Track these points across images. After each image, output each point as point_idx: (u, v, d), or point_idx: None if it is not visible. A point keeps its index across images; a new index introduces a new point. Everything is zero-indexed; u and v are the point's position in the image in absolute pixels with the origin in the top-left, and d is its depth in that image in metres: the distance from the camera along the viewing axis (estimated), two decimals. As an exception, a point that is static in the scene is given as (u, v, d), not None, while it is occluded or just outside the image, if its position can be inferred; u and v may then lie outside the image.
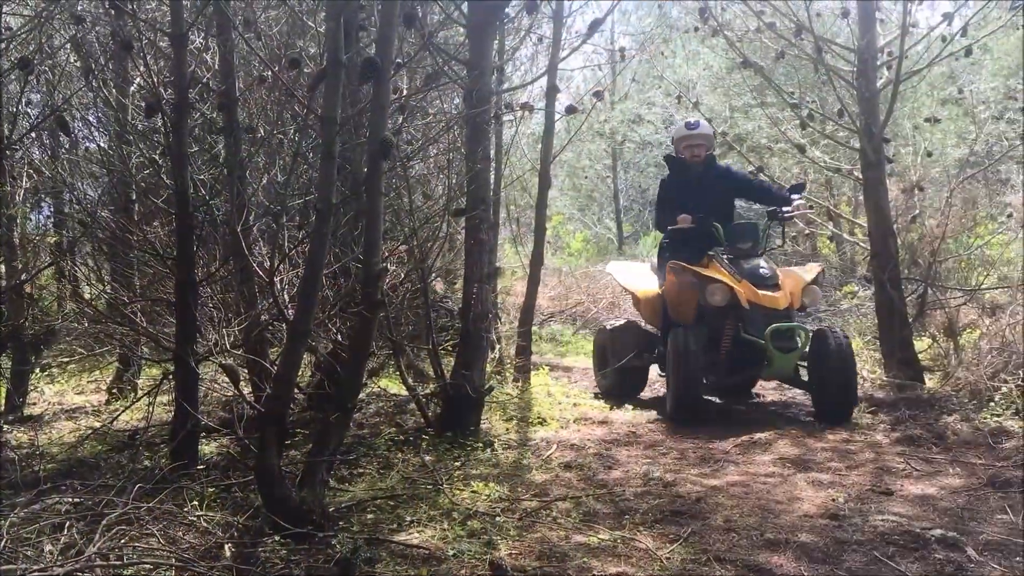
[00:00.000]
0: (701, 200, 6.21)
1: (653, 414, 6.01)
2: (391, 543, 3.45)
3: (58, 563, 2.89)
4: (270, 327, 5.02)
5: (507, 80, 7.33)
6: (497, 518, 3.79)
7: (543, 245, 7.33)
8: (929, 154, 9.11)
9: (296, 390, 4.66)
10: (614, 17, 18.35)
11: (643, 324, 6.98)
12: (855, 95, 6.77)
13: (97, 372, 7.25)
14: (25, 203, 6.33)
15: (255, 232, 4.87)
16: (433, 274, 6.27)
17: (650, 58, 13.97)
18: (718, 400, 6.52)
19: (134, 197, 5.72)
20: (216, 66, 5.12)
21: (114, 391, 6.60)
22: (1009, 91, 10.72)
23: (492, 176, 6.47)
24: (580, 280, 12.62)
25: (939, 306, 7.25)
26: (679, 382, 5.73)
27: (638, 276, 7.03)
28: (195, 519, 3.51)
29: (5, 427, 5.44)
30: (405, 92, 5.63)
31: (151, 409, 4.89)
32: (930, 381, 6.48)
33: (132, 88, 5.74)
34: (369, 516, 3.83)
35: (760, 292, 5.75)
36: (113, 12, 5.13)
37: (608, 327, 7.11)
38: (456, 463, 4.72)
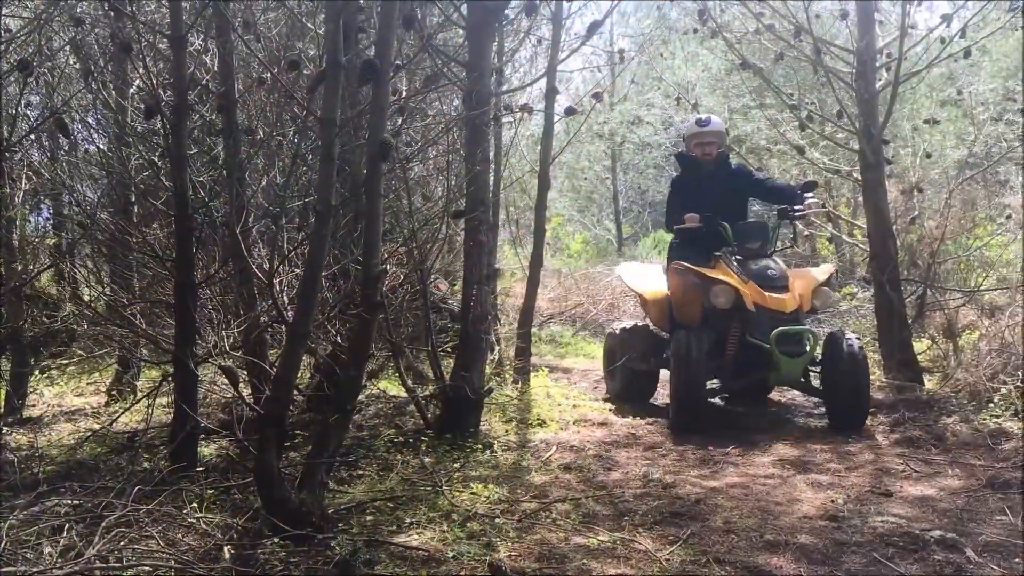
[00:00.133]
0: (711, 199, 6.01)
1: (653, 416, 6.01)
2: (390, 545, 3.45)
3: (57, 565, 2.89)
4: (269, 329, 5.01)
5: (506, 82, 7.33)
6: (496, 520, 3.79)
7: (542, 247, 7.33)
8: (928, 155, 9.11)
9: (295, 392, 4.65)
10: (613, 19, 18.34)
11: (652, 327, 6.75)
12: (854, 96, 6.78)
13: (96, 374, 7.25)
14: (24, 205, 6.33)
15: (254, 234, 4.87)
16: (433, 275, 6.26)
17: (649, 60, 13.99)
18: (727, 404, 6.40)
19: (133, 199, 5.72)
20: (215, 68, 5.12)
21: (113, 393, 6.60)
22: (1008, 92, 10.73)
23: (491, 178, 6.48)
24: (580, 281, 12.62)
25: (938, 307, 7.26)
26: (680, 387, 5.53)
27: (646, 277, 6.84)
28: (194, 521, 3.51)
29: (5, 429, 5.43)
30: (404, 94, 5.62)
31: (150, 411, 4.89)
32: (929, 382, 6.49)
33: (131, 90, 5.74)
34: (368, 518, 3.82)
35: (766, 294, 5.53)
36: (112, 14, 5.13)
37: (617, 330, 6.90)
38: (455, 465, 4.72)
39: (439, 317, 6.90)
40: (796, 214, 6.01)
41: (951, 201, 7.68)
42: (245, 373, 4.92)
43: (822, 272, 5.96)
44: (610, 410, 6.25)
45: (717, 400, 6.38)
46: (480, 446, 5.04)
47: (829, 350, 5.59)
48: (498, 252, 8.18)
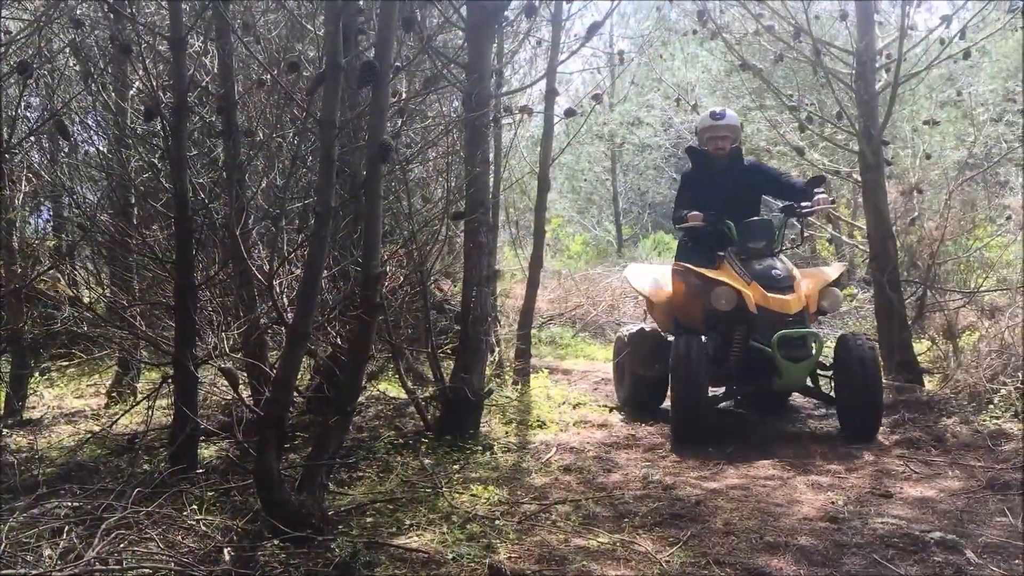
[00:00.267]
0: (722, 196, 5.77)
1: (653, 418, 6.00)
2: (390, 547, 3.45)
3: (57, 567, 2.89)
4: (269, 330, 5.01)
5: (506, 83, 7.33)
6: (496, 521, 3.79)
7: (542, 248, 7.33)
8: (928, 156, 9.12)
9: (295, 393, 4.65)
10: (613, 20, 18.39)
11: (658, 330, 6.46)
12: (854, 97, 6.78)
13: (96, 376, 7.25)
14: (24, 207, 6.33)
15: (254, 235, 4.87)
16: (434, 277, 6.26)
17: (649, 61, 14.00)
18: (741, 410, 6.27)
19: (133, 201, 5.73)
20: (215, 70, 5.12)
21: (113, 395, 6.60)
22: (1008, 93, 10.73)
23: (491, 179, 6.48)
24: (579, 283, 12.62)
25: (938, 308, 7.26)
26: (680, 395, 5.24)
27: (652, 279, 6.54)
28: (194, 523, 3.51)
29: (4, 431, 5.43)
30: (404, 95, 5.63)
31: (150, 413, 4.88)
32: (929, 383, 6.49)
33: (131, 92, 5.74)
34: (368, 520, 3.82)
35: (769, 295, 5.26)
36: (112, 16, 5.14)
37: (625, 335, 6.60)
38: (455, 466, 4.72)
39: (443, 318, 6.88)
40: (804, 211, 5.72)
41: (951, 202, 7.68)
42: (245, 375, 4.92)
43: (831, 272, 5.72)
44: (610, 412, 6.25)
45: (728, 404, 6.22)
46: (480, 448, 5.04)
47: (840, 354, 5.34)
48: (498, 253, 8.18)
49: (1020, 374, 5.82)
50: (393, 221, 6.33)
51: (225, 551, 3.28)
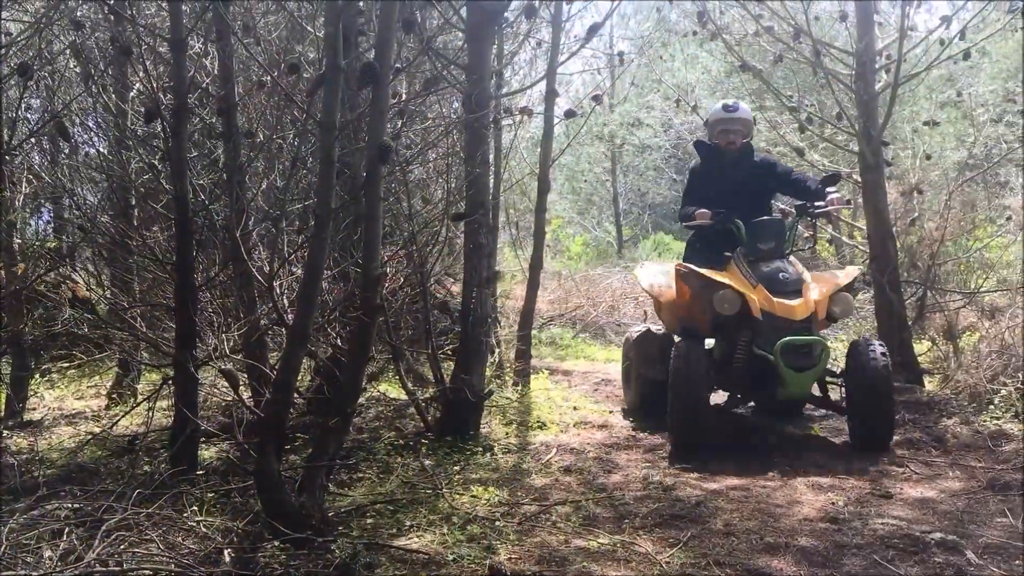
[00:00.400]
0: (731, 193, 5.49)
1: (654, 419, 5.99)
2: (391, 548, 3.45)
3: (57, 569, 2.89)
4: (269, 332, 5.01)
5: (506, 84, 7.34)
6: (497, 522, 3.79)
7: (542, 249, 7.33)
8: (928, 157, 9.12)
9: (295, 395, 4.65)
10: (613, 21, 18.41)
11: (666, 332, 6.19)
12: (854, 98, 6.78)
13: (97, 377, 7.25)
14: (25, 209, 6.33)
15: (254, 237, 4.87)
16: (434, 277, 6.26)
17: (649, 62, 14.01)
18: (754, 417, 6.05)
19: (133, 202, 5.72)
20: (215, 71, 5.12)
21: (114, 396, 6.59)
22: (1008, 94, 10.73)
23: (491, 180, 6.47)
24: (580, 284, 12.62)
25: (938, 309, 7.26)
26: (679, 405, 4.96)
27: (661, 278, 6.22)
28: (194, 524, 3.51)
29: (5, 432, 5.43)
30: (404, 97, 5.63)
31: (151, 414, 4.89)
32: (929, 384, 6.49)
33: (132, 93, 5.74)
34: (369, 521, 3.83)
35: (775, 300, 4.95)
36: (112, 18, 5.14)
37: (632, 337, 6.38)
38: (456, 467, 4.72)
39: (446, 318, 6.87)
40: (817, 211, 5.42)
41: (951, 203, 7.68)
42: (245, 376, 4.92)
43: (844, 276, 5.36)
44: (610, 413, 6.25)
45: (741, 410, 5.99)
46: (480, 449, 5.05)
47: (850, 360, 5.08)
48: (498, 254, 8.18)
49: (1020, 375, 5.82)
50: (393, 222, 6.33)
51: (225, 552, 3.28)
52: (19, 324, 5.60)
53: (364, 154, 4.26)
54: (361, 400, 5.52)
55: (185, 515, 3.60)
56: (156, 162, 5.03)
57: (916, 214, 8.07)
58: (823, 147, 9.33)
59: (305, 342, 3.82)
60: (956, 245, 8.17)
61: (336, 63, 3.61)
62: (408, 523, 3.78)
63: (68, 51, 5.81)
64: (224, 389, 5.07)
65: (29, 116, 6.34)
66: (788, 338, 4.82)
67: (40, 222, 7.80)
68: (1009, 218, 9.30)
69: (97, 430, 5.44)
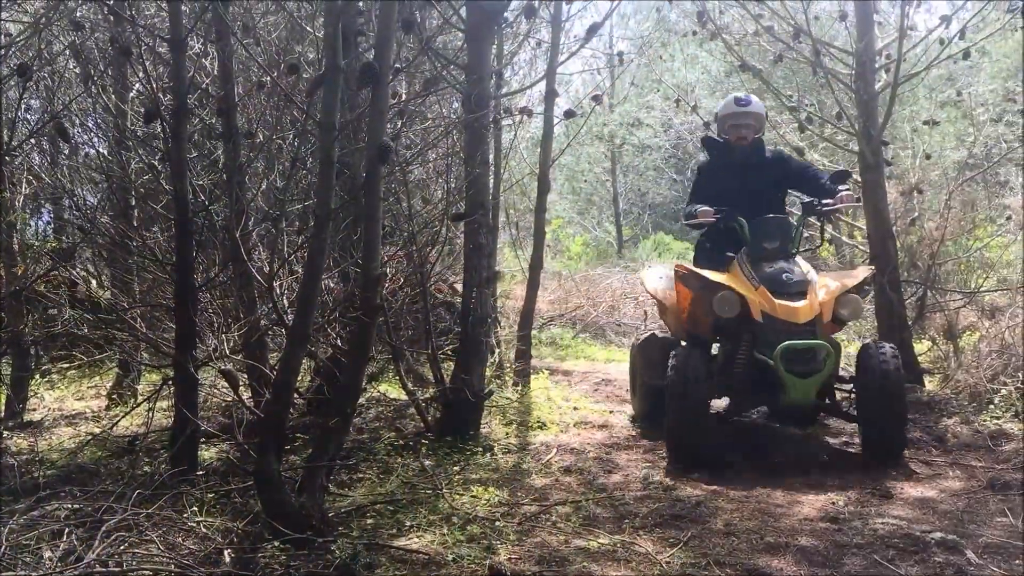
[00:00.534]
0: (742, 191, 5.25)
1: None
2: (391, 548, 3.45)
3: (57, 570, 2.89)
4: (269, 332, 5.02)
5: (506, 84, 7.33)
6: (497, 523, 3.79)
7: (542, 249, 7.33)
8: (928, 156, 9.11)
9: (295, 395, 4.66)
10: (612, 21, 18.40)
11: (671, 336, 5.95)
12: (853, 98, 6.78)
13: (97, 378, 7.25)
14: (25, 209, 6.33)
15: (254, 237, 4.87)
16: (434, 278, 6.26)
17: (649, 62, 14.00)
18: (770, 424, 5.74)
19: (133, 203, 5.72)
20: (215, 72, 5.12)
21: (114, 397, 6.60)
22: (1008, 93, 10.73)
23: (491, 180, 6.47)
24: (580, 284, 12.61)
25: (938, 309, 7.25)
26: (676, 416, 4.71)
27: (665, 282, 5.93)
28: (194, 525, 3.51)
29: (5, 433, 5.43)
30: (404, 97, 5.64)
31: (151, 415, 4.89)
32: (930, 384, 6.48)
33: (131, 94, 5.75)
34: (369, 521, 3.82)
35: (777, 302, 4.69)
36: (112, 18, 5.14)
37: (639, 341, 6.17)
38: (456, 468, 4.72)
39: (449, 317, 6.87)
40: (826, 209, 5.16)
41: (951, 202, 7.67)
42: (245, 376, 4.92)
43: (854, 276, 5.05)
44: (610, 412, 6.25)
45: (754, 415, 5.74)
46: (480, 449, 5.04)
47: (860, 365, 4.81)
48: (498, 255, 8.18)
49: (1020, 374, 5.82)
50: (393, 222, 6.34)
51: (225, 553, 3.28)
52: (19, 324, 5.60)
53: (364, 154, 4.27)
54: (361, 400, 5.52)
55: (185, 515, 3.60)
56: (156, 162, 5.04)
57: (916, 214, 8.07)
58: (823, 147, 9.33)
59: (305, 342, 3.82)
60: (956, 245, 8.17)
61: (335, 63, 3.61)
62: (408, 523, 3.78)
63: (68, 52, 5.81)
64: (224, 390, 5.07)
65: (29, 117, 6.34)
66: (789, 342, 4.56)
67: (40, 223, 7.81)
68: (1009, 217, 9.29)
69: (97, 431, 5.44)
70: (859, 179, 6.98)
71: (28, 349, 6.03)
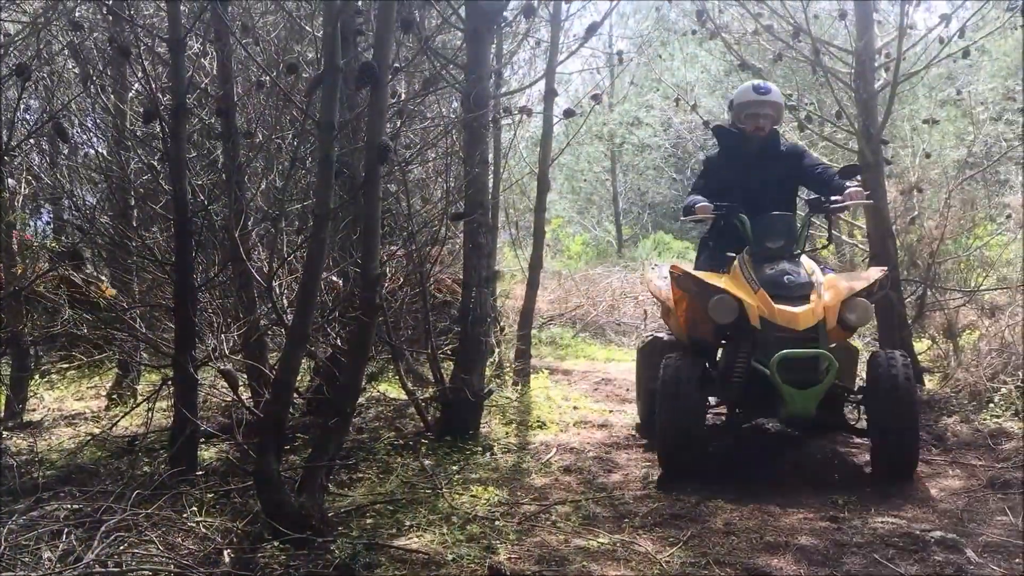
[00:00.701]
0: (752, 184, 4.96)
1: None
2: (390, 548, 3.45)
3: (56, 570, 2.89)
4: (269, 332, 5.01)
5: (505, 84, 7.33)
6: (496, 522, 3.79)
7: (542, 248, 7.33)
8: (928, 155, 9.10)
9: (295, 395, 4.65)
10: (612, 20, 18.35)
11: (674, 339, 5.57)
12: (853, 97, 6.77)
13: (97, 378, 7.25)
14: (24, 209, 6.33)
15: (254, 237, 4.87)
16: (434, 278, 6.25)
17: (648, 61, 14.02)
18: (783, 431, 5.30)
19: (133, 203, 5.72)
20: (214, 71, 5.12)
21: (113, 397, 6.59)
22: (1008, 92, 10.72)
23: (490, 180, 6.47)
24: (579, 283, 12.61)
25: (938, 307, 7.25)
26: (667, 426, 4.44)
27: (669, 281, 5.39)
28: (194, 525, 3.51)
29: (5, 433, 5.43)
30: (403, 96, 5.64)
31: (150, 415, 4.89)
32: (930, 383, 6.48)
33: (130, 94, 5.75)
34: (368, 521, 3.82)
35: (776, 306, 4.35)
36: (111, 18, 5.14)
37: (642, 343, 5.90)
38: (455, 467, 4.72)
39: (445, 317, 6.86)
40: (833, 207, 4.80)
41: (951, 201, 7.66)
42: (245, 376, 4.92)
43: (864, 278, 4.67)
44: (610, 412, 6.25)
45: (770, 425, 5.38)
46: (480, 448, 5.04)
47: (870, 375, 4.47)
48: (498, 254, 8.18)
49: (1020, 373, 5.81)
50: (392, 222, 6.33)
51: (225, 553, 3.28)
52: (19, 324, 5.60)
53: (363, 154, 4.26)
54: (361, 400, 5.52)
55: (185, 516, 3.60)
56: (155, 163, 5.03)
57: (916, 212, 8.06)
58: (823, 145, 9.31)
59: (304, 342, 3.82)
60: (956, 243, 8.16)
61: (334, 63, 3.60)
62: (408, 523, 3.78)
63: (67, 51, 5.81)
64: (224, 390, 5.07)
65: (27, 117, 6.34)
66: (786, 351, 4.22)
67: (40, 223, 7.81)
68: (1009, 216, 9.29)
69: (97, 431, 5.44)
70: (858, 178, 6.97)
71: (28, 349, 6.03)
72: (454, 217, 5.43)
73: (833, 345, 4.49)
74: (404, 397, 5.66)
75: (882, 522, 3.73)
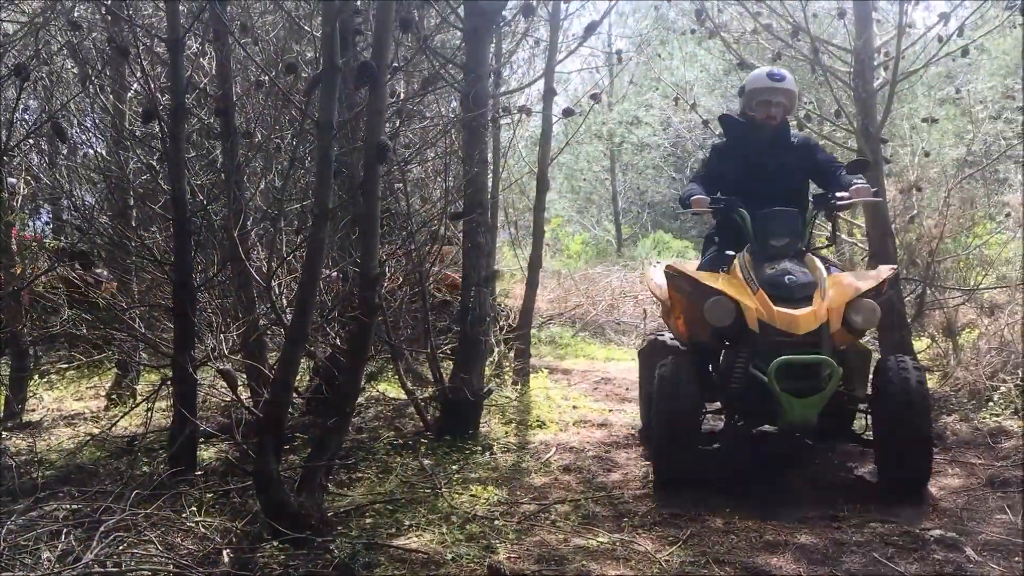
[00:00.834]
0: (759, 175, 4.69)
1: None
2: (390, 547, 3.45)
3: (56, 570, 2.89)
4: (268, 332, 5.01)
5: (504, 83, 7.33)
6: (496, 522, 3.79)
7: (541, 248, 7.33)
8: (927, 154, 9.11)
9: (294, 395, 4.65)
10: (611, 20, 18.37)
11: (675, 340, 5.22)
12: (852, 96, 6.77)
13: (96, 378, 7.25)
14: (23, 209, 6.32)
15: (253, 237, 4.87)
16: (431, 278, 6.25)
17: (647, 60, 14.02)
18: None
19: (132, 203, 5.72)
20: (213, 71, 5.12)
21: (113, 397, 6.59)
22: (1007, 90, 10.74)
23: (490, 179, 6.46)
24: (579, 283, 12.62)
25: (938, 306, 7.25)
26: (659, 436, 4.28)
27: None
28: (193, 525, 3.51)
29: (4, 433, 5.43)
30: (402, 96, 5.63)
31: (150, 415, 4.88)
32: (929, 381, 6.46)
33: (129, 94, 5.74)
34: (368, 520, 3.82)
35: (776, 308, 4.07)
36: (110, 18, 5.13)
37: (643, 346, 5.70)
38: (455, 467, 4.72)
39: (445, 316, 6.87)
40: (840, 204, 4.52)
41: (950, 199, 7.66)
42: (244, 376, 4.92)
43: (871, 278, 4.37)
44: (610, 411, 6.25)
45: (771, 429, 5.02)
46: (479, 448, 5.04)
47: (879, 382, 4.19)
48: (497, 253, 8.17)
49: (1020, 371, 5.82)
50: (391, 222, 6.33)
51: (224, 553, 3.28)
52: (18, 324, 5.59)
53: (362, 153, 4.26)
54: (360, 400, 5.52)
55: (184, 515, 3.60)
56: (154, 162, 5.02)
57: (915, 211, 8.06)
58: (821, 145, 9.30)
59: (304, 342, 3.82)
60: (955, 242, 8.16)
61: (333, 62, 3.60)
62: (407, 523, 3.78)
63: (65, 51, 5.80)
64: (223, 389, 5.07)
65: (26, 117, 6.33)
66: (785, 357, 3.96)
67: (39, 223, 7.80)
68: (1008, 215, 9.29)
69: (96, 431, 5.44)
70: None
71: (27, 349, 6.03)
72: (453, 216, 5.43)
73: (843, 348, 4.28)
74: (403, 397, 5.66)
75: (881, 521, 3.73)
